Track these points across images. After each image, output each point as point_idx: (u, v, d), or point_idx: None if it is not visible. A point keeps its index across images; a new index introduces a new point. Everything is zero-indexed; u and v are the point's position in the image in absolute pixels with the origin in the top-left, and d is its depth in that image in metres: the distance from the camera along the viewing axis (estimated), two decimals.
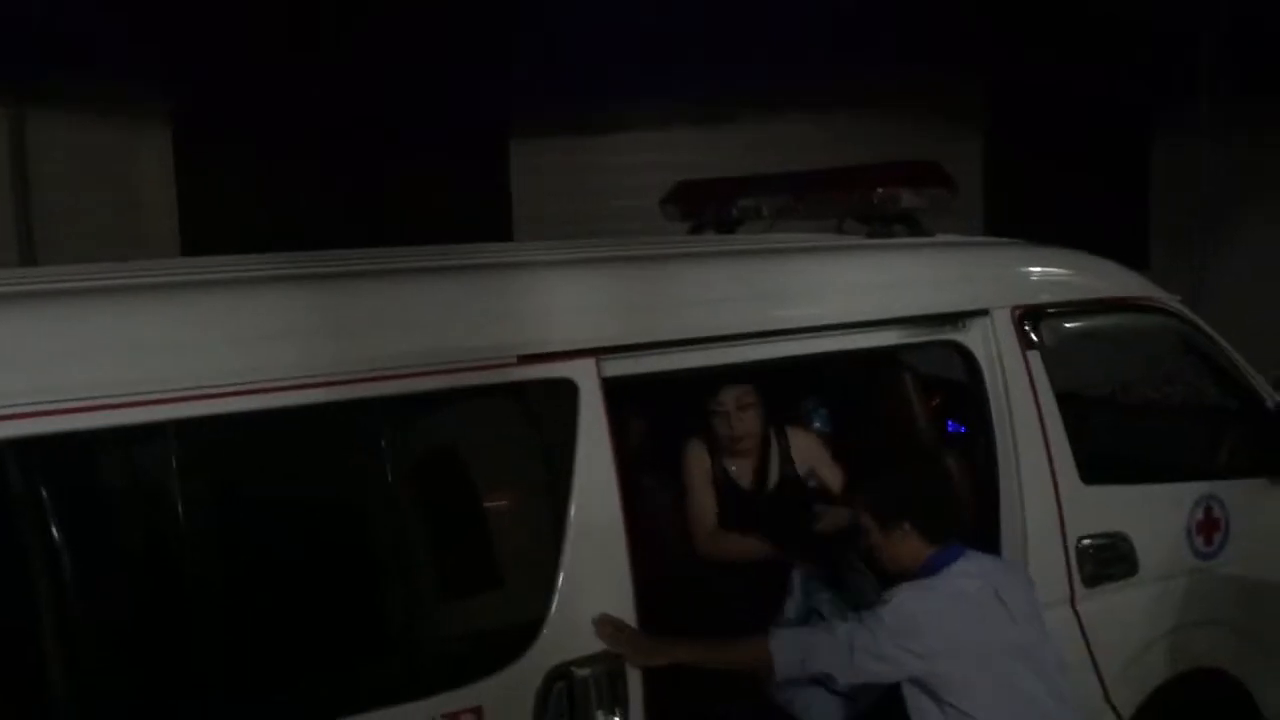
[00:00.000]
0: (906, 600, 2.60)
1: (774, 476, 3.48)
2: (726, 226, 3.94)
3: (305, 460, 2.42)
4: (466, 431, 2.57)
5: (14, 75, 5.07)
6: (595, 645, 2.51)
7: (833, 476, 3.51)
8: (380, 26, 5.53)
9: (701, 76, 6.57)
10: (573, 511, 2.50)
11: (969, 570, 2.66)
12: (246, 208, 5.57)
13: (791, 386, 3.70)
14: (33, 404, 2.00)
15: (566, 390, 2.52)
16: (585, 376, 2.53)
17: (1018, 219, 5.58)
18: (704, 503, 3.40)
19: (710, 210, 3.98)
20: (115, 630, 2.14)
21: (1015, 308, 3.19)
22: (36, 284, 2.31)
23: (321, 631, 2.32)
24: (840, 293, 3.00)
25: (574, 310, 2.59)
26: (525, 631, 2.46)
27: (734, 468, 3.45)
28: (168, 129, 5.63)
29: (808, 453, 3.51)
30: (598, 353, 2.55)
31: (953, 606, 2.60)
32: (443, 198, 6.21)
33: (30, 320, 2.10)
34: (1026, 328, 3.20)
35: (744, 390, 3.38)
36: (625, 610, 2.53)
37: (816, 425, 3.84)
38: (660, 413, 3.58)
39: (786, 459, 3.49)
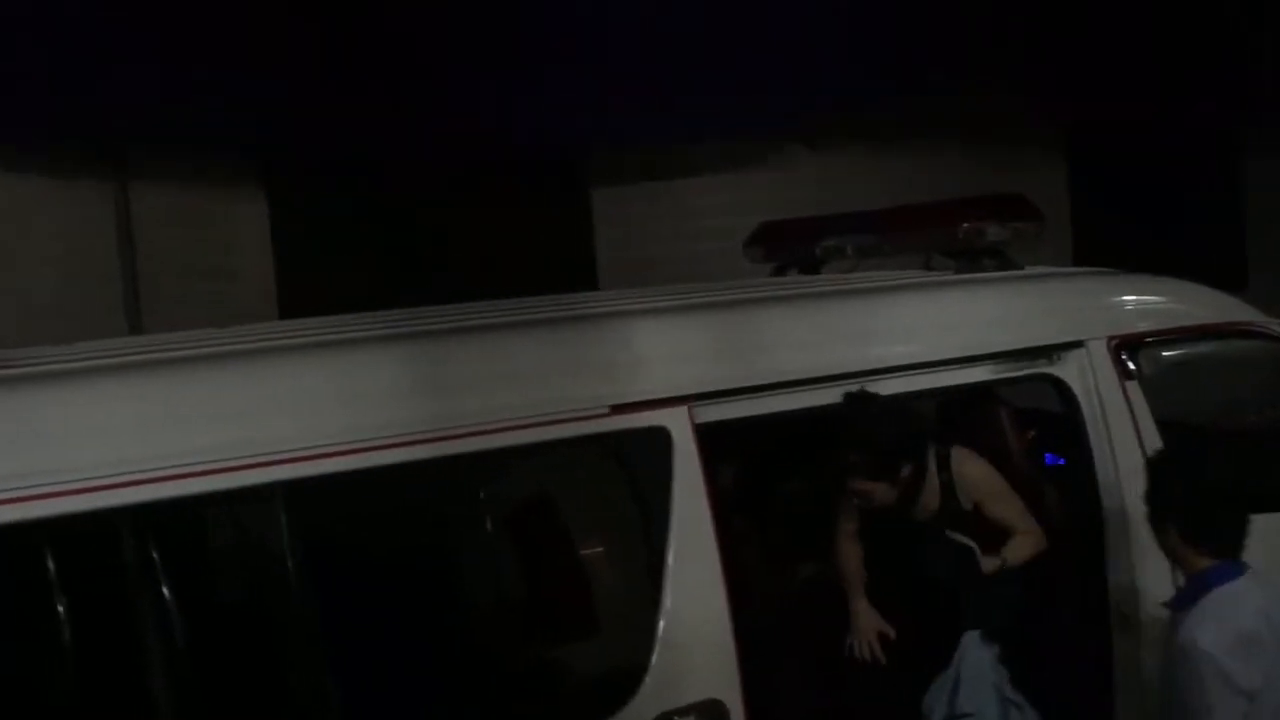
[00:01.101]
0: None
1: (932, 511, 3.07)
2: (811, 267, 3.94)
3: (407, 516, 2.45)
4: (563, 483, 2.59)
5: (117, 150, 5.25)
6: (696, 694, 2.49)
7: (1008, 509, 3.07)
8: (459, 84, 5.63)
9: (780, 114, 6.57)
10: (670, 560, 2.49)
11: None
12: (340, 268, 5.69)
13: (892, 424, 3.65)
14: (155, 470, 2.05)
15: (660, 438, 2.53)
16: (678, 424, 2.53)
17: (1108, 248, 5.50)
18: (847, 549, 3.11)
19: (794, 251, 3.97)
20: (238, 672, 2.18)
21: (1111, 338, 3.14)
22: (153, 352, 2.38)
23: (424, 685, 2.34)
24: (930, 330, 2.97)
25: (665, 358, 2.60)
26: (626, 681, 2.45)
27: (882, 505, 3.04)
28: (262, 194, 5.78)
29: (977, 485, 3.07)
30: (690, 400, 2.56)
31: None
32: (527, 248, 6.27)
33: (145, 388, 2.16)
34: (1123, 358, 3.14)
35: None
36: (725, 660, 2.51)
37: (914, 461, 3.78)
38: (756, 456, 3.56)
39: (949, 493, 3.08)
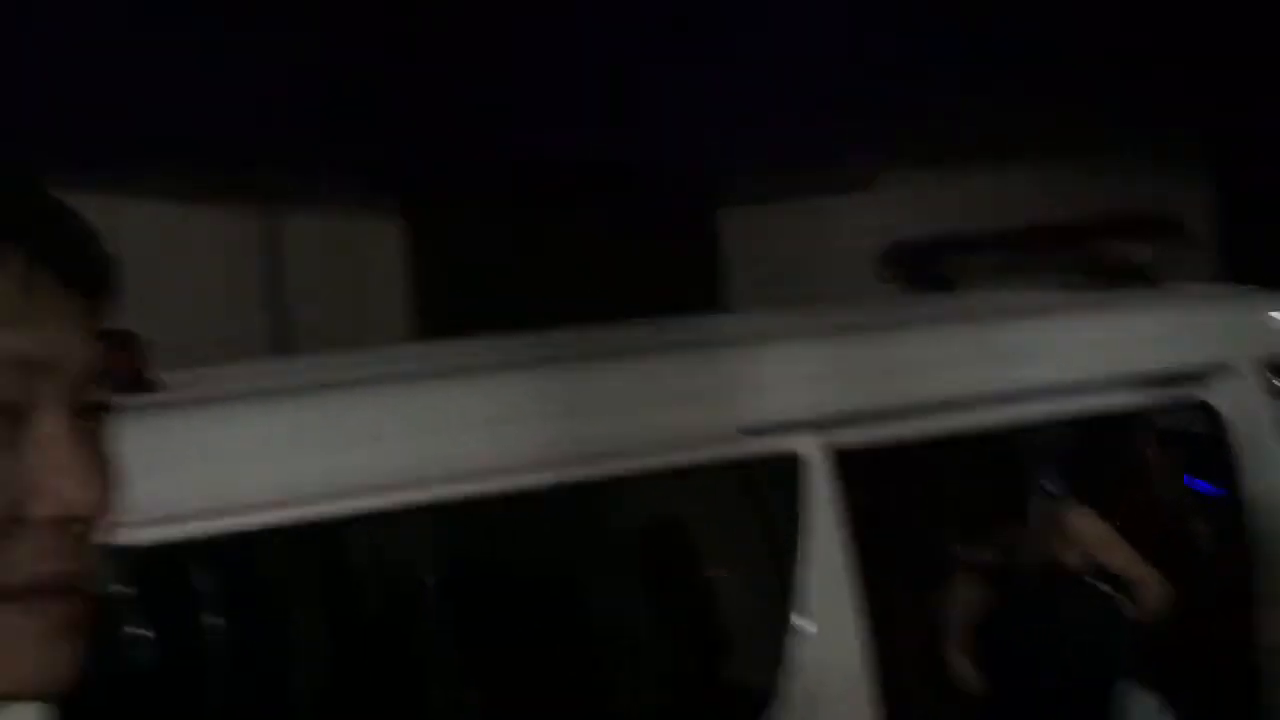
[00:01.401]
0: None
1: (1067, 553, 2.97)
2: (944, 286, 3.87)
3: (540, 542, 2.49)
4: (692, 509, 2.59)
5: (264, 177, 5.45)
6: None
7: (1125, 559, 2.96)
8: (589, 104, 5.69)
9: (912, 133, 6.49)
10: (803, 589, 2.47)
11: None
12: (474, 291, 5.79)
13: (1022, 452, 3.58)
14: (302, 493, 2.12)
15: (792, 464, 2.51)
16: (811, 449, 2.52)
17: (1257, 266, 5.29)
18: (966, 589, 3.05)
19: (927, 270, 3.91)
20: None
21: (1264, 359, 3.02)
22: (305, 376, 2.46)
23: (558, 712, 2.36)
24: (1070, 352, 2.90)
25: (796, 382, 2.58)
26: (757, 712, 2.44)
27: (1015, 544, 2.99)
28: (400, 218, 5.92)
29: (1085, 533, 2.98)
30: (822, 425, 2.54)
31: None
32: (656, 268, 6.30)
33: (299, 412, 2.23)
34: (1277, 382, 3.02)
35: None
36: (858, 692, 2.48)
37: (1048, 489, 3.70)
38: (891, 484, 3.51)
39: (1052, 542, 2.98)
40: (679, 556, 2.68)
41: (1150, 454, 3.28)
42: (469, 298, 5.71)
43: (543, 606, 2.40)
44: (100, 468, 0.75)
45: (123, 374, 2.13)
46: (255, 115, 5.11)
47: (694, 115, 5.94)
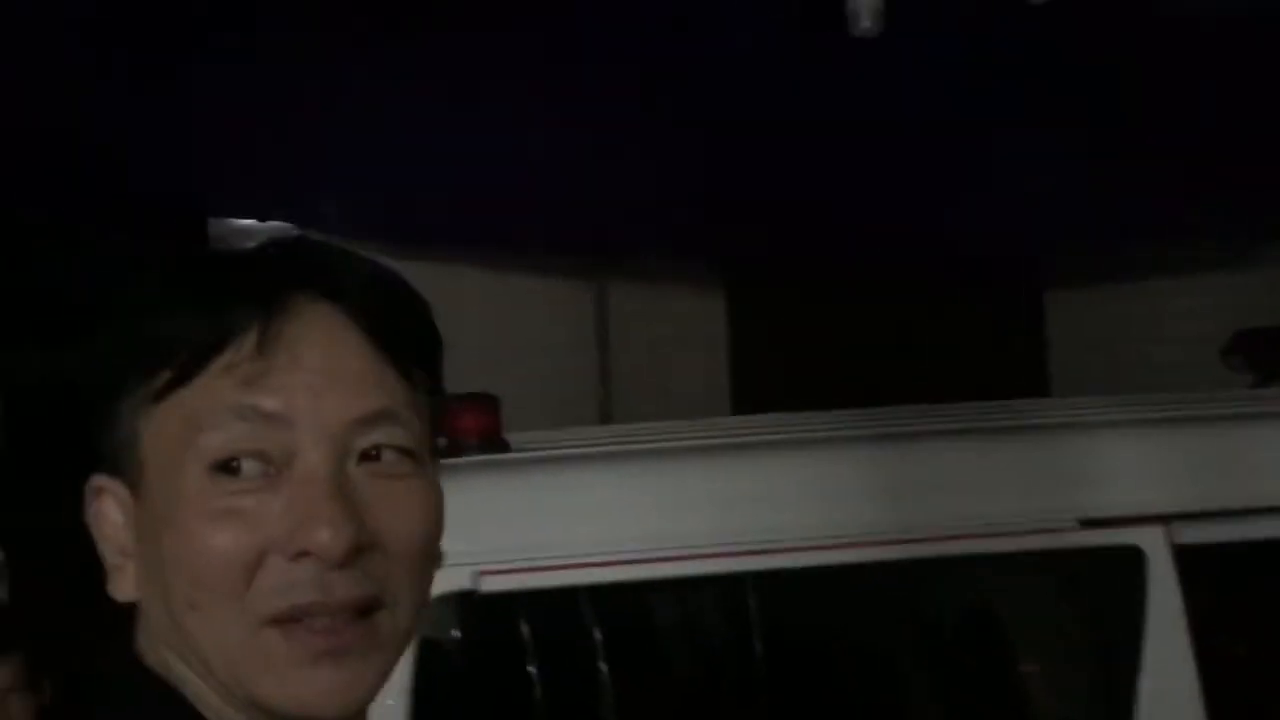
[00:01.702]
0: None
1: None
2: None
3: (860, 615, 2.48)
4: (1021, 597, 2.52)
5: (596, 254, 5.73)
6: None
7: None
8: (910, 185, 5.66)
9: (1254, 210, 6.09)
10: (1142, 691, 2.35)
11: None
12: (793, 366, 5.85)
13: None
14: (641, 551, 2.21)
15: (1132, 558, 2.40)
16: (1154, 544, 2.40)
17: None
18: None
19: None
20: None
21: None
22: (637, 443, 2.57)
23: None
24: None
25: (1141, 473, 2.47)
26: None
27: None
28: (722, 293, 6.07)
29: None
30: (1168, 519, 2.42)
31: None
32: (978, 350, 6.16)
33: (636, 475, 2.34)
34: None
35: None
36: None
37: None
38: (1242, 584, 3.29)
39: None
40: (1000, 647, 2.60)
41: None
42: (785, 371, 5.77)
43: (851, 686, 2.39)
44: (365, 510, 0.79)
45: (479, 433, 2.29)
46: (596, 192, 5.39)
47: (1024, 193, 5.81)
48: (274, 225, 5.55)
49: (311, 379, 0.81)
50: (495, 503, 2.16)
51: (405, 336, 0.84)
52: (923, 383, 5.42)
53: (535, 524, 2.17)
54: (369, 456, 0.81)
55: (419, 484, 0.83)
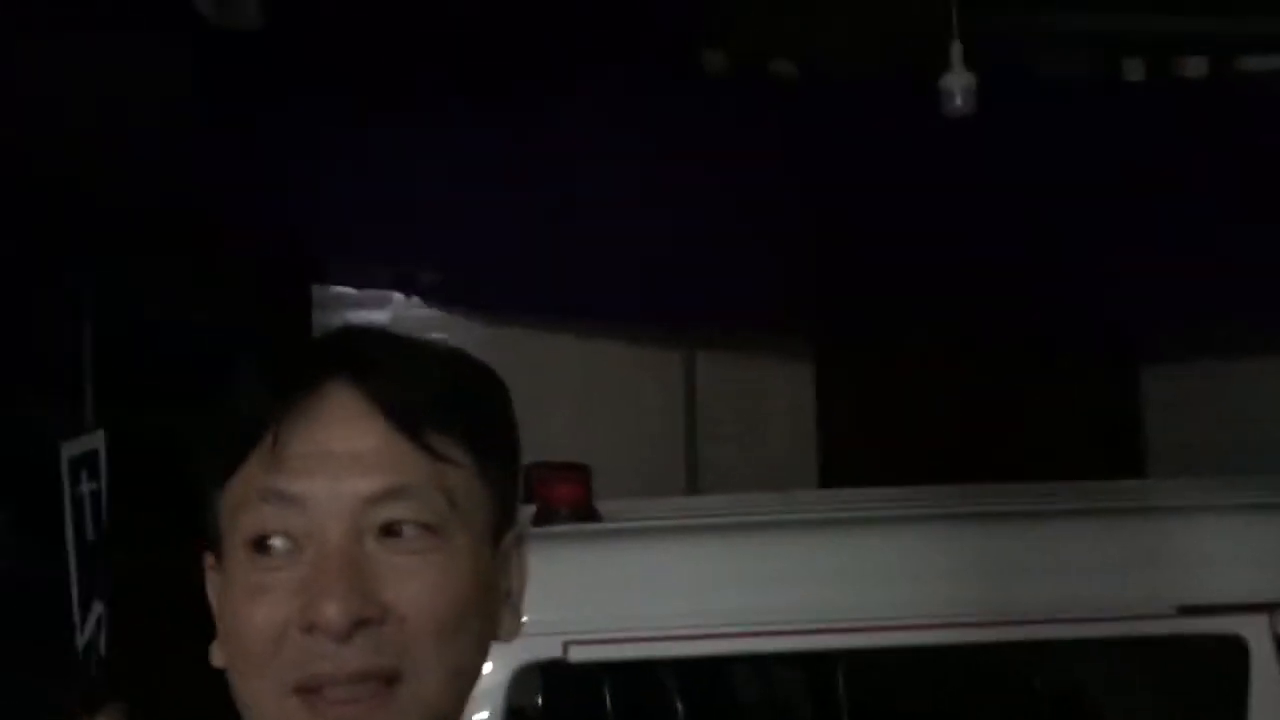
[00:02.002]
0: None
1: None
2: None
3: (950, 698, 2.45)
4: (1118, 685, 2.46)
5: (685, 323, 5.77)
6: None
7: None
8: (998, 258, 5.63)
9: None
10: None
11: None
12: (879, 439, 5.80)
13: None
14: (730, 625, 2.20)
15: (1234, 648, 2.34)
16: (1258, 634, 2.33)
17: None
18: None
19: None
20: None
21: None
22: (725, 516, 2.57)
23: None
24: None
25: (1241, 560, 2.41)
26: None
27: None
28: (810, 366, 6.06)
29: None
30: (1272, 608, 2.35)
31: None
32: (1072, 426, 6.06)
33: (724, 548, 2.34)
34: None
35: None
36: None
37: None
38: None
39: None
40: None
41: None
42: (872, 445, 5.73)
43: None
44: (381, 584, 0.83)
45: (570, 503, 2.32)
46: (686, 259, 5.43)
47: (1112, 264, 5.74)
48: (372, 294, 5.69)
49: (326, 460, 0.85)
50: (584, 573, 2.18)
51: (430, 414, 0.87)
52: (1013, 457, 5.35)
53: (624, 595, 2.18)
54: (390, 532, 0.85)
55: (439, 557, 0.85)
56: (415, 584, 0.84)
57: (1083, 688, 2.57)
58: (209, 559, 0.91)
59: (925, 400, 5.93)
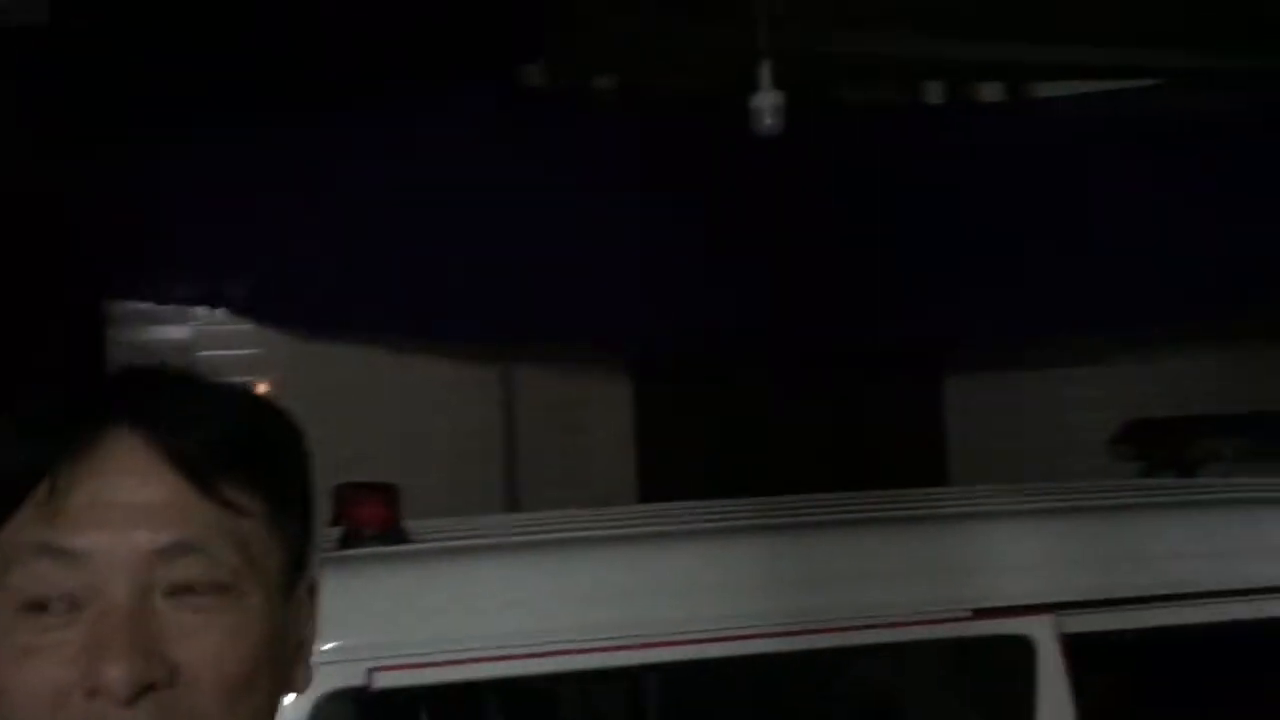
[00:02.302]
0: None
1: None
2: (1185, 470, 3.74)
3: (761, 706, 2.49)
4: (915, 687, 2.55)
5: (503, 341, 5.74)
6: None
7: None
8: (813, 261, 5.79)
9: (1153, 305, 6.30)
10: None
11: None
12: (697, 454, 5.89)
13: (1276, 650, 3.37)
14: (538, 644, 2.19)
15: (1022, 648, 2.45)
16: (1043, 633, 2.45)
17: None
18: None
19: (1166, 452, 3.79)
20: None
21: None
22: (543, 532, 2.56)
23: None
24: None
25: (1031, 564, 2.53)
26: None
27: None
28: (629, 383, 6.10)
29: None
30: (1056, 608, 2.47)
31: None
32: (877, 434, 6.27)
33: (537, 566, 2.33)
34: None
35: None
36: None
37: None
38: (1127, 672, 3.36)
39: None
40: None
41: None
42: (690, 460, 5.81)
43: None
44: (170, 643, 0.78)
45: (377, 523, 2.28)
46: (504, 278, 5.42)
47: (920, 280, 5.96)
48: (172, 309, 5.49)
49: (110, 513, 0.80)
50: (389, 595, 2.14)
51: (220, 461, 0.83)
52: (826, 470, 5.50)
53: (431, 617, 2.14)
54: (179, 590, 0.81)
55: (231, 617, 0.81)
56: (206, 644, 0.80)
57: (888, 691, 2.65)
58: None
59: (739, 415, 6.06)
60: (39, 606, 0.79)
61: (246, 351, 5.54)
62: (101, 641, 0.78)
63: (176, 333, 5.54)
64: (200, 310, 5.55)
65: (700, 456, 5.83)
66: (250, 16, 4.53)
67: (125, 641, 0.78)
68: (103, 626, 0.79)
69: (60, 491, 0.80)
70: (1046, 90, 6.45)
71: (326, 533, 2.48)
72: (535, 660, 2.17)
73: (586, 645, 2.19)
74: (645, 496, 5.55)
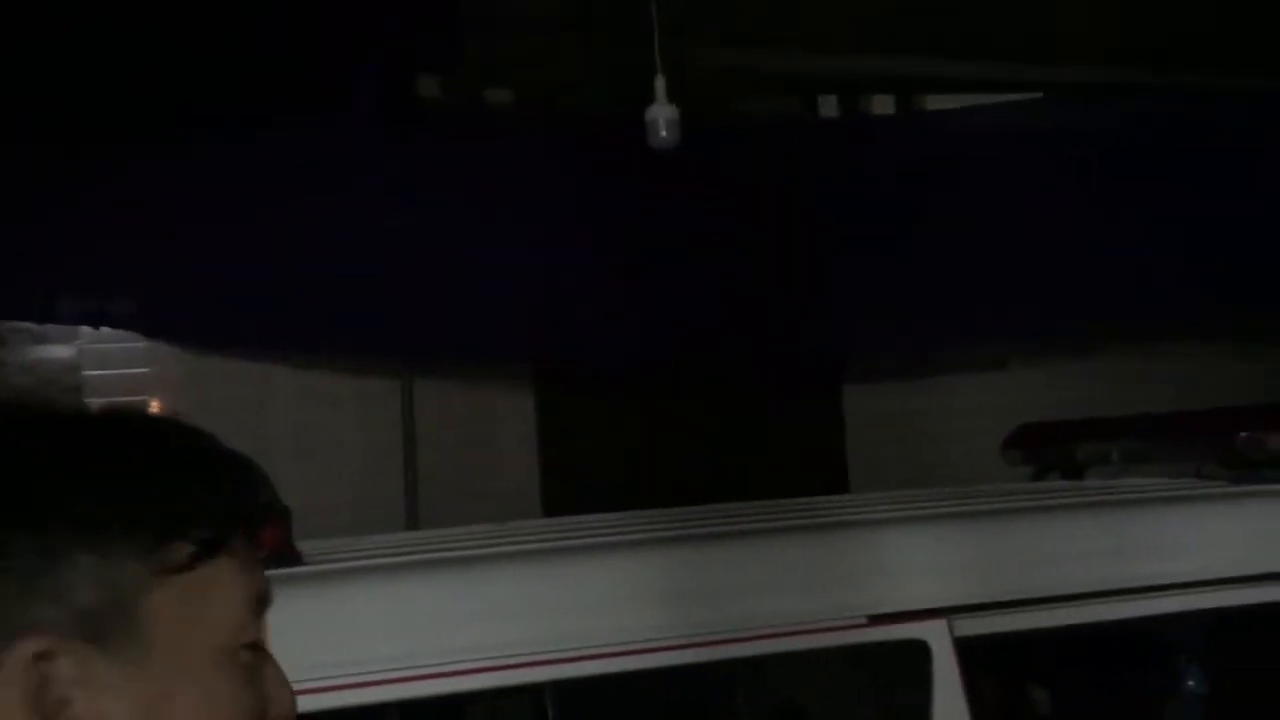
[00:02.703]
0: None
1: None
2: (1073, 472, 3.83)
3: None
4: (816, 694, 2.58)
5: (404, 350, 5.68)
6: None
7: None
8: (712, 274, 5.84)
9: (1045, 314, 6.45)
10: None
11: None
12: (600, 466, 5.89)
13: (1160, 645, 3.47)
14: (433, 664, 2.17)
15: (918, 651, 2.49)
16: (938, 637, 2.50)
17: None
18: None
19: (1055, 455, 3.88)
20: None
21: None
22: (441, 550, 2.54)
23: None
24: (1207, 546, 2.84)
25: (923, 569, 2.58)
26: None
27: None
28: (531, 393, 6.08)
29: None
30: (950, 612, 2.52)
31: None
32: (777, 444, 6.33)
33: (438, 585, 2.30)
34: None
35: None
36: None
37: (1191, 685, 3.57)
38: (1020, 673, 3.43)
39: None
40: None
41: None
42: (592, 472, 5.81)
43: None
44: None
45: (269, 546, 2.23)
46: (404, 291, 5.36)
47: (815, 289, 6.03)
48: (58, 328, 5.35)
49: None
50: (280, 620, 2.09)
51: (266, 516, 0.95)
52: (728, 480, 5.53)
53: (325, 641, 2.11)
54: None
55: None
56: None
57: (790, 699, 2.67)
58: (45, 647, 0.76)
59: (643, 426, 6.07)
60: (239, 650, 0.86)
61: (135, 370, 5.42)
62: (277, 674, 0.91)
63: (62, 352, 5.40)
64: (86, 329, 5.41)
65: (605, 468, 5.83)
66: (133, 29, 4.43)
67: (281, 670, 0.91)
68: (273, 663, 0.91)
69: (251, 543, 0.87)
70: (936, 104, 6.59)
71: None
72: (433, 681, 2.14)
73: (483, 664, 2.17)
74: (550, 509, 5.53)
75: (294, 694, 0.91)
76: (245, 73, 4.80)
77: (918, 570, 2.57)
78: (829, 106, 6.55)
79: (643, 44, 4.22)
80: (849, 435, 6.65)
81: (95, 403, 0.98)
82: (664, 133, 4.02)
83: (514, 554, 2.49)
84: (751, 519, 2.84)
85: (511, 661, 2.23)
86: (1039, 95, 6.44)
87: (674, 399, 6.03)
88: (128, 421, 0.86)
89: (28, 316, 5.31)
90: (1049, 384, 6.68)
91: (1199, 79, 6.09)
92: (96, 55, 4.50)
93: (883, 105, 6.58)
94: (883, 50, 5.69)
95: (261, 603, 0.89)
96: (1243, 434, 3.17)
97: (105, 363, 5.39)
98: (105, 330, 5.40)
